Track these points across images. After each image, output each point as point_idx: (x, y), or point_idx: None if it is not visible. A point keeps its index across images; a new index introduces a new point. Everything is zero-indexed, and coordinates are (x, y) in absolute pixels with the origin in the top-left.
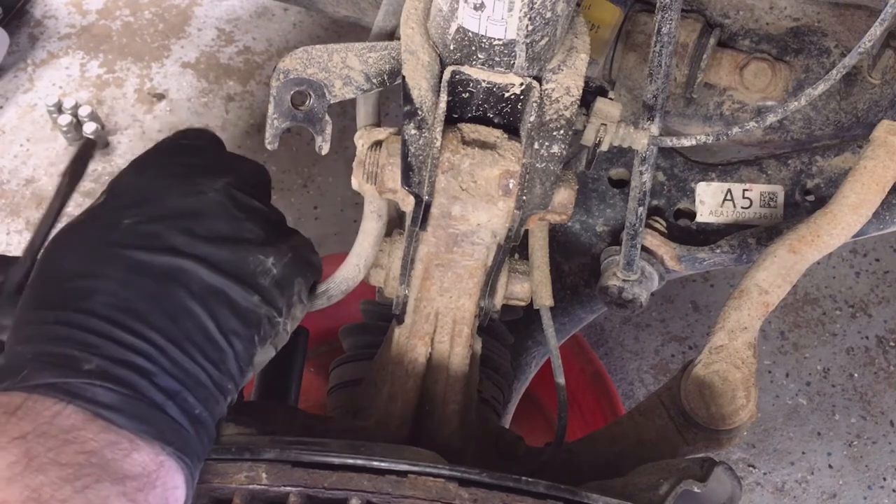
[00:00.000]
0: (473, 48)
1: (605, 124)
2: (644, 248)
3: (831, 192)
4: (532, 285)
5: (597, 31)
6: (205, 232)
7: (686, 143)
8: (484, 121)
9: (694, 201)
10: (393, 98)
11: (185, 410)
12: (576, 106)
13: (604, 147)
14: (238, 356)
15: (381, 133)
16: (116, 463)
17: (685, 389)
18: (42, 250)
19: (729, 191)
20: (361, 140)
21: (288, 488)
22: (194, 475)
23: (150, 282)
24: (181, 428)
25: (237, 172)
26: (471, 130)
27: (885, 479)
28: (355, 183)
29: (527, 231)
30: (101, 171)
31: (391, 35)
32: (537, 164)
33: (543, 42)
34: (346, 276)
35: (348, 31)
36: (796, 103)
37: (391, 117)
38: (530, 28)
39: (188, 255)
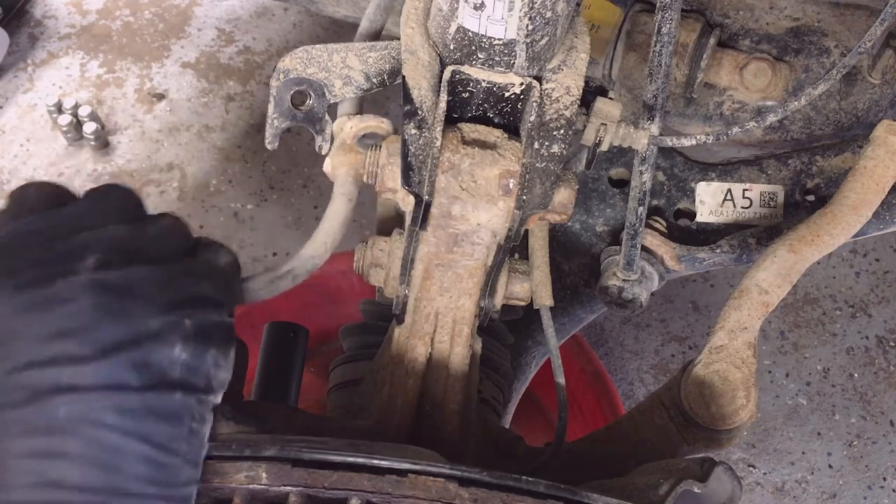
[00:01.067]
0: (473, 48)
1: (605, 124)
2: (644, 248)
3: (831, 192)
4: (532, 285)
5: (597, 30)
6: (92, 351)
7: (686, 143)
8: (484, 121)
9: (694, 201)
10: (393, 98)
11: None
12: (576, 106)
13: (604, 147)
14: (186, 456)
15: (372, 119)
16: None
17: (685, 389)
18: None
19: (729, 191)
20: (351, 123)
21: (288, 488)
22: None
23: (59, 439)
24: None
25: (100, 238)
26: (471, 130)
27: (885, 479)
28: (328, 166)
29: (527, 231)
30: (100, 171)
31: (378, 34)
32: (537, 164)
33: (543, 42)
34: (312, 255)
35: (348, 31)
36: (796, 103)
37: (391, 117)
38: (530, 28)
39: (87, 388)
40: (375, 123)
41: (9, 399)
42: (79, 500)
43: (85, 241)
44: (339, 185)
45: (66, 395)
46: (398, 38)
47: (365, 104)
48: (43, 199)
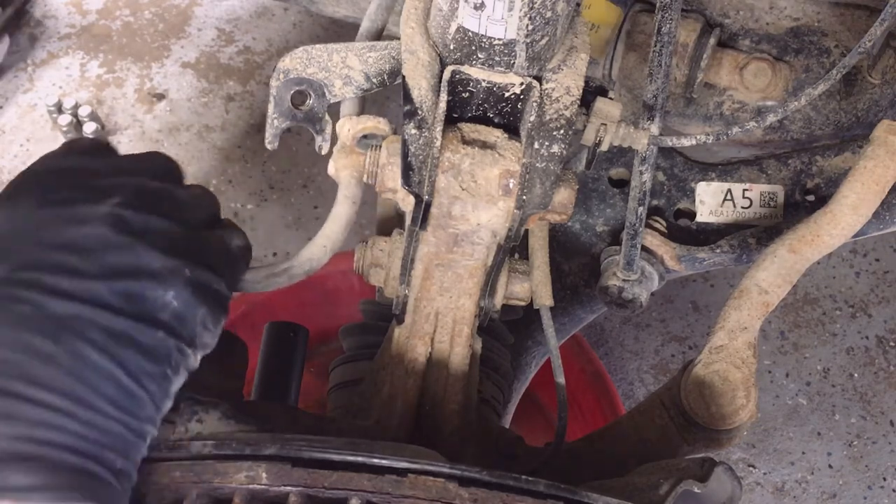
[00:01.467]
0: (473, 48)
1: (605, 124)
2: (644, 248)
3: (831, 192)
4: (532, 285)
5: (597, 30)
6: (95, 269)
7: (686, 143)
8: (484, 120)
9: (694, 201)
10: (393, 98)
11: (107, 467)
12: (576, 106)
13: (604, 147)
14: (153, 396)
15: (370, 120)
16: None
17: (685, 389)
18: None
19: (729, 191)
20: (349, 125)
21: (288, 488)
22: None
23: (41, 338)
24: (108, 484)
25: (129, 184)
26: (471, 130)
27: (885, 479)
28: (332, 169)
29: (527, 231)
30: None
31: (380, 33)
32: (537, 164)
33: (543, 42)
34: (310, 257)
35: (348, 31)
36: (796, 103)
37: (391, 117)
38: (530, 28)
39: (80, 299)
40: (373, 124)
41: (8, 292)
42: (42, 397)
43: (115, 184)
44: (342, 187)
45: (60, 301)
46: (398, 38)
47: (365, 104)
48: (90, 147)
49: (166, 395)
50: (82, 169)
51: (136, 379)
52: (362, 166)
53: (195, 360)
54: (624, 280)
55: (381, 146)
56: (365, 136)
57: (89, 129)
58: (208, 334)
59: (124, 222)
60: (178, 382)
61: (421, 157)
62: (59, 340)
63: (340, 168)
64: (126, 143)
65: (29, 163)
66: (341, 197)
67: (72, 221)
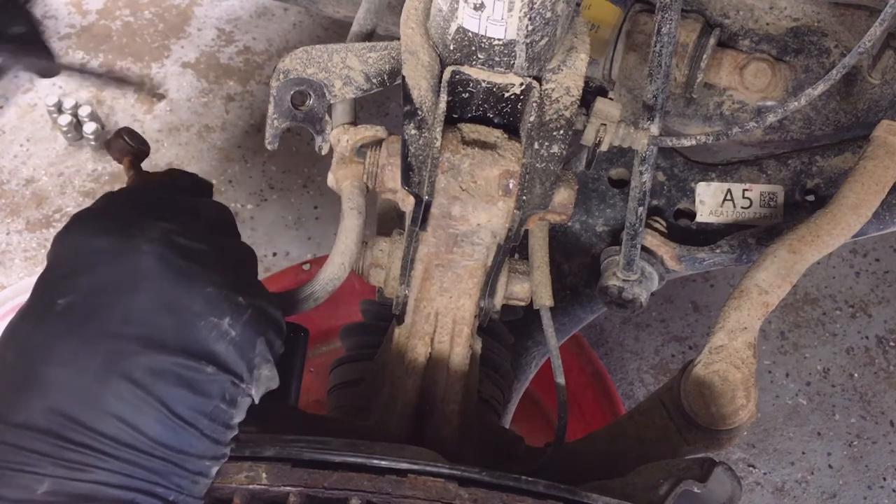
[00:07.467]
0: (473, 48)
1: (605, 124)
2: (644, 248)
3: (831, 192)
4: (532, 285)
5: (597, 31)
6: (144, 302)
7: (686, 143)
8: (484, 121)
9: (694, 201)
10: (393, 98)
11: (159, 499)
12: (576, 106)
13: (604, 147)
14: (205, 431)
15: (367, 130)
16: None
17: (685, 389)
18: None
19: (729, 191)
20: (346, 136)
21: (288, 488)
22: None
23: (87, 378)
24: None
25: (189, 213)
26: (471, 130)
27: (885, 479)
28: (331, 180)
29: (527, 231)
30: (100, 171)
31: (370, 35)
32: (537, 164)
33: (543, 42)
34: (331, 277)
35: (348, 31)
36: (796, 103)
37: (391, 117)
38: (530, 28)
39: (125, 337)
40: (371, 133)
41: (60, 330)
42: (87, 441)
43: (181, 204)
44: (346, 198)
45: (103, 341)
46: (398, 39)
47: (364, 105)
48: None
49: (226, 428)
50: (147, 192)
51: (181, 417)
52: (363, 175)
53: (255, 392)
54: (624, 280)
55: (381, 146)
56: (363, 146)
57: (89, 129)
58: (267, 367)
59: (177, 247)
60: (238, 415)
61: (421, 157)
62: (102, 380)
63: (341, 179)
64: None
65: (29, 163)
66: (346, 209)
67: (124, 249)
